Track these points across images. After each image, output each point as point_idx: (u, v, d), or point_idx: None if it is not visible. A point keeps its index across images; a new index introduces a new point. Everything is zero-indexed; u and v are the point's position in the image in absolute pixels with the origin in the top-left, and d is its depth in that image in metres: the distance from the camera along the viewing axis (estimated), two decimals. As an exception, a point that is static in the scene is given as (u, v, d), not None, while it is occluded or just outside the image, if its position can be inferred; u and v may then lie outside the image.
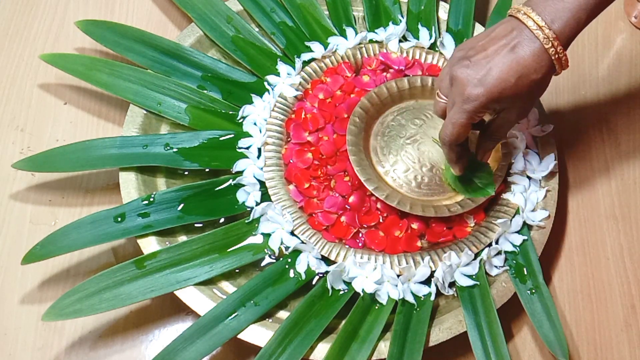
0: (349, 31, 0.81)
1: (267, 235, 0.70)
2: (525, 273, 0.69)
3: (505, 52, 0.59)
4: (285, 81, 0.77)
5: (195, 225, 0.71)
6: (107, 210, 0.68)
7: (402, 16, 0.82)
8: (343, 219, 0.70)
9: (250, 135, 0.75)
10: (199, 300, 0.66)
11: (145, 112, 0.75)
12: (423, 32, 0.81)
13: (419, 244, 0.70)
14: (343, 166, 0.72)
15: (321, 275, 0.68)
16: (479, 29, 0.82)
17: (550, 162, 0.73)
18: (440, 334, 0.66)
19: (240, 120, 0.76)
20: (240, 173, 0.72)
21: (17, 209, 0.74)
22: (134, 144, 0.72)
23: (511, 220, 0.70)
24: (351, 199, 0.70)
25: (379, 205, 0.70)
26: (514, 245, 0.70)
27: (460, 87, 0.59)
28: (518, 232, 0.71)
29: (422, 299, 0.67)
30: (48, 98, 0.80)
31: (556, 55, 0.58)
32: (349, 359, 0.63)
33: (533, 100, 0.63)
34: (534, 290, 0.68)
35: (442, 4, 0.84)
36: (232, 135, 0.74)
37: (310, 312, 0.66)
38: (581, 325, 0.71)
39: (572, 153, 0.80)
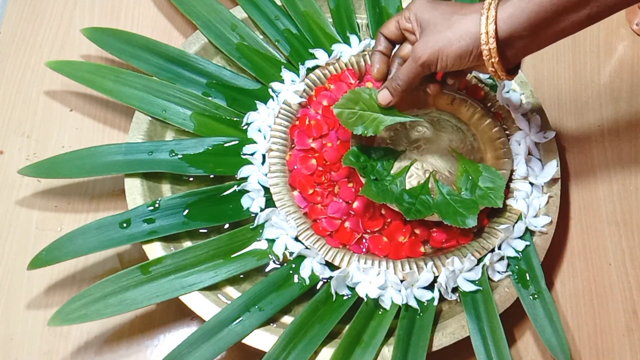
0: (353, 39, 0.81)
1: (271, 241, 0.70)
2: (528, 278, 0.69)
3: (460, 6, 0.62)
4: (289, 88, 0.78)
5: (200, 231, 0.71)
6: (112, 216, 0.69)
7: (405, 24, 0.83)
8: (347, 224, 0.70)
9: (255, 142, 0.75)
10: (203, 306, 0.66)
11: (150, 118, 0.76)
12: (426, 39, 0.82)
13: (422, 249, 0.70)
14: (347, 172, 0.72)
15: (325, 280, 0.69)
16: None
17: (552, 168, 0.74)
18: (443, 338, 0.66)
19: (244, 127, 0.76)
20: (244, 179, 0.73)
21: (23, 214, 0.75)
22: (140, 150, 0.73)
23: (514, 226, 0.71)
24: (355, 205, 0.71)
25: (382, 211, 0.71)
26: (517, 251, 0.71)
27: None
28: (520, 237, 0.71)
29: (425, 304, 0.68)
30: (54, 105, 0.81)
31: (486, 31, 0.59)
32: (353, 364, 0.64)
33: (441, 43, 0.61)
34: (536, 296, 0.68)
35: (444, 11, 0.85)
36: (237, 142, 0.75)
37: (314, 317, 0.66)
38: (583, 330, 0.72)
39: (574, 159, 0.80)
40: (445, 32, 0.61)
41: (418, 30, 0.64)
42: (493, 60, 0.60)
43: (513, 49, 0.61)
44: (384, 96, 0.68)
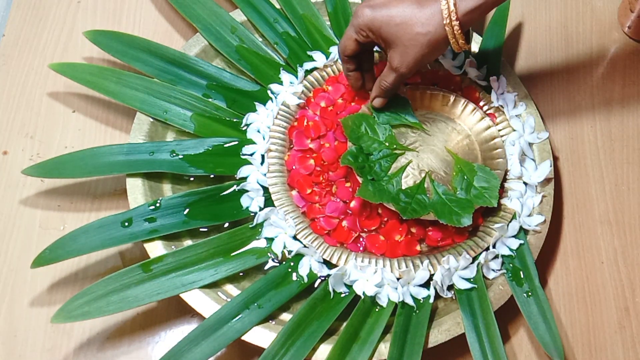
0: (350, 41, 0.82)
1: (270, 240, 0.71)
2: (522, 276, 0.70)
3: (409, 3, 0.66)
4: (288, 90, 0.79)
5: (200, 229, 0.72)
6: (114, 215, 0.69)
7: (402, 26, 0.84)
8: (344, 223, 0.71)
9: (254, 142, 0.76)
10: (204, 303, 0.67)
11: (151, 119, 0.76)
12: (422, 41, 0.83)
13: (418, 248, 0.71)
14: (344, 172, 0.73)
15: (323, 278, 0.69)
16: (477, 39, 0.83)
17: (546, 168, 0.75)
18: (439, 335, 0.67)
19: (244, 128, 0.77)
20: (244, 179, 0.74)
21: (26, 214, 0.75)
22: (141, 150, 0.74)
23: (508, 225, 0.72)
24: (352, 204, 0.72)
25: (379, 211, 0.72)
26: (511, 249, 0.71)
27: (355, 11, 0.69)
28: (515, 236, 0.72)
29: (421, 302, 0.68)
30: (57, 106, 0.82)
31: (450, 25, 0.64)
32: (350, 360, 0.65)
33: (415, 55, 0.66)
34: (530, 293, 0.69)
35: (440, 14, 0.86)
36: (237, 143, 0.76)
37: (312, 314, 0.67)
38: (576, 327, 0.72)
39: (567, 159, 0.81)
40: (417, 40, 0.65)
41: (382, 43, 0.68)
42: (459, 40, 0.65)
43: (466, 25, 0.65)
44: (379, 102, 0.74)
